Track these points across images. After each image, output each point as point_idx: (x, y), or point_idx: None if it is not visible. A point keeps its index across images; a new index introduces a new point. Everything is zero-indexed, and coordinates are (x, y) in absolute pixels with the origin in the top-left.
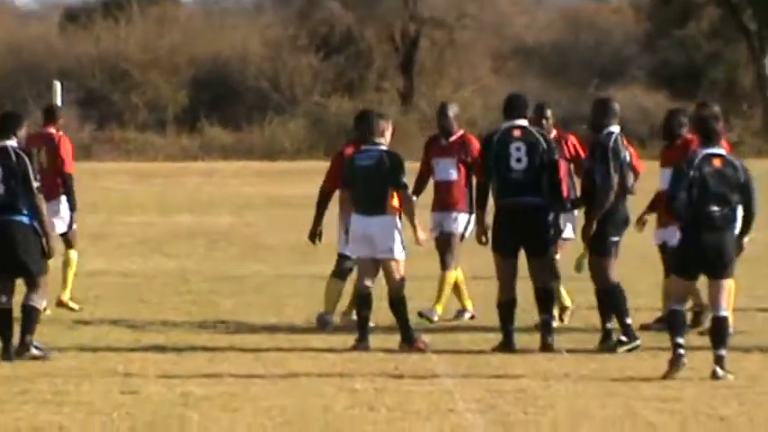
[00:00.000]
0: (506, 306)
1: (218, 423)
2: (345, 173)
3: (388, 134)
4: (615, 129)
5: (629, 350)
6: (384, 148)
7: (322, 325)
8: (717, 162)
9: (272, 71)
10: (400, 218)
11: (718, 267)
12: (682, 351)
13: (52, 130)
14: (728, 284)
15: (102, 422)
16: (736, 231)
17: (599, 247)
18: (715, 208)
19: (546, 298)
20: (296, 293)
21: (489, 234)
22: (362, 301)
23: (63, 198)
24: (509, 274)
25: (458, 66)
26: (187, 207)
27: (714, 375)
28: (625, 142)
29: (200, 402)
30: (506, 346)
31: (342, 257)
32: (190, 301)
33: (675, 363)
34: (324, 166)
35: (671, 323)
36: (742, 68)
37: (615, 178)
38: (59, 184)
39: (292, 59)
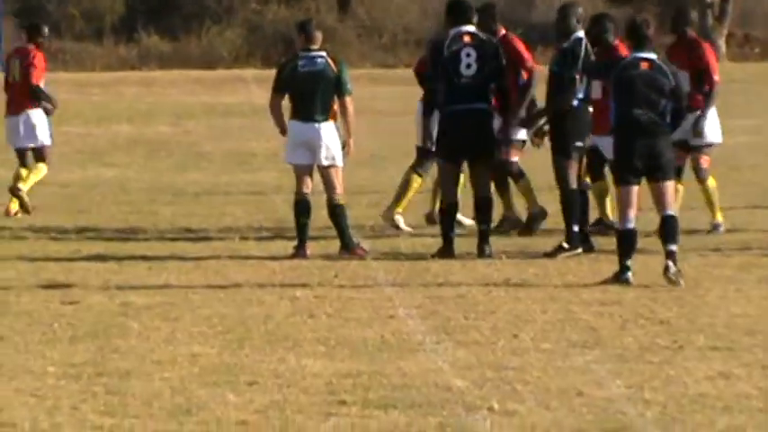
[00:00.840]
0: (448, 211)
1: (158, 332)
2: (285, 79)
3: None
4: (581, 34)
5: (569, 257)
6: (324, 54)
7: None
8: (644, 65)
9: None
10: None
11: (655, 170)
12: (629, 274)
13: (30, 46)
14: (670, 185)
15: (42, 332)
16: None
17: (562, 149)
18: (640, 111)
19: (485, 207)
20: (235, 201)
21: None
22: (301, 208)
23: (35, 111)
24: (452, 180)
25: None
26: (126, 117)
27: (666, 270)
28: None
29: (141, 311)
30: (446, 251)
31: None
32: (129, 211)
33: (618, 280)
34: (261, 74)
35: (619, 243)
36: None
37: (580, 84)
38: (29, 96)
39: None
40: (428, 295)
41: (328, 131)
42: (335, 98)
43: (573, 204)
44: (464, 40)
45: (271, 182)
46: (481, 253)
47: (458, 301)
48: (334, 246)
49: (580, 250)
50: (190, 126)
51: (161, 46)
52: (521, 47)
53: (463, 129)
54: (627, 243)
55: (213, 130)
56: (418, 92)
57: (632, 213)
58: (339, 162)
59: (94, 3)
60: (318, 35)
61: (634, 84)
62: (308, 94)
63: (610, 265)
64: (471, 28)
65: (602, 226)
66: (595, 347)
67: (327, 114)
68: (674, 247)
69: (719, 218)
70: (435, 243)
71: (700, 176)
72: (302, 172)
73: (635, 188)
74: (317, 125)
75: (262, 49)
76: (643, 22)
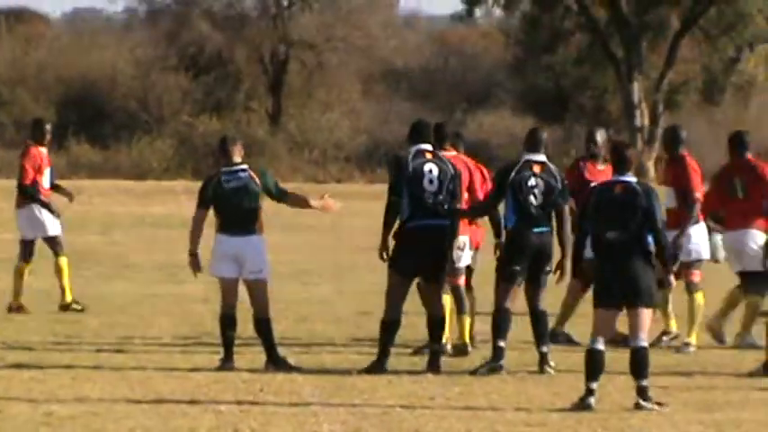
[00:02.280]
0: (390, 326)
1: None
2: (210, 195)
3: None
4: (528, 156)
5: (490, 370)
6: (245, 167)
7: None
8: (618, 188)
9: (140, 91)
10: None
11: (630, 295)
12: (591, 399)
13: (29, 143)
14: (645, 313)
15: None
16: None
17: (499, 271)
18: (612, 234)
19: (438, 325)
20: (162, 313)
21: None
22: (227, 321)
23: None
24: (401, 295)
25: (326, 87)
26: None
27: (637, 406)
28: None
29: (64, 422)
30: (378, 367)
31: None
32: (55, 320)
33: (581, 406)
34: (191, 185)
35: (585, 363)
36: (609, 94)
37: (494, 201)
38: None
39: (161, 79)
40: (353, 412)
41: (254, 245)
42: (260, 211)
43: (500, 322)
44: (426, 156)
45: (198, 294)
46: (433, 369)
47: (382, 418)
48: (261, 358)
49: (500, 364)
50: (118, 236)
51: (91, 155)
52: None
53: (421, 245)
54: (592, 364)
55: (141, 241)
56: (348, 207)
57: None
58: (265, 276)
59: (25, 111)
60: (237, 150)
61: (603, 208)
62: (234, 209)
63: (535, 386)
64: (429, 146)
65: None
66: None
67: (254, 227)
68: (644, 383)
69: (693, 339)
70: (361, 359)
71: (689, 289)
72: (228, 285)
73: (610, 314)
74: (243, 238)
75: (192, 161)
76: (625, 144)
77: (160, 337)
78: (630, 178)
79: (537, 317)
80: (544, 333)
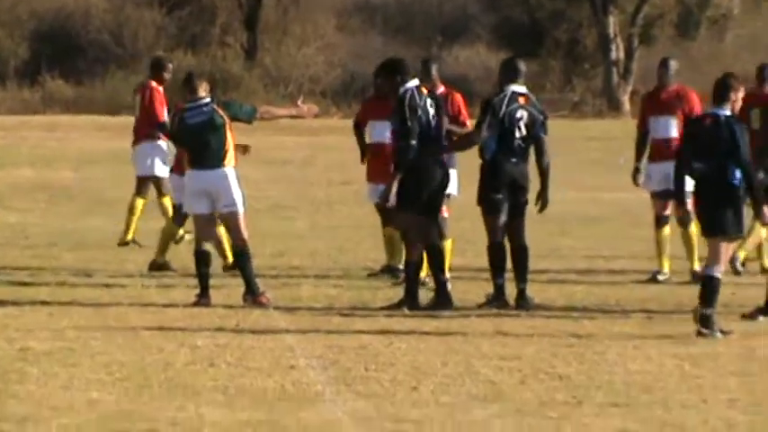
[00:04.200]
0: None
1: (56, 378)
2: (175, 133)
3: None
4: (514, 88)
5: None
6: (208, 101)
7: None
8: (707, 120)
9: (114, 25)
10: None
11: (707, 225)
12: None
13: (152, 83)
14: (721, 244)
15: None
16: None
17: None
18: (698, 165)
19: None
20: (137, 248)
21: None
22: (201, 258)
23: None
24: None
25: (302, 22)
26: (28, 161)
27: (699, 334)
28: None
29: (40, 357)
30: (500, 296)
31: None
32: (30, 256)
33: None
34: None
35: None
36: (584, 28)
37: (484, 132)
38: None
39: (135, 14)
40: (329, 345)
41: (225, 178)
42: (229, 142)
43: (495, 258)
44: (423, 92)
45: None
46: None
47: (358, 352)
48: (237, 294)
49: (505, 299)
50: (93, 172)
51: (65, 90)
52: (462, 104)
53: (435, 180)
54: (709, 290)
55: (116, 177)
56: (324, 142)
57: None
58: (239, 208)
59: None
60: (202, 85)
61: (695, 137)
62: (200, 144)
63: (511, 321)
64: (415, 81)
65: None
66: (495, 402)
67: (222, 160)
68: (707, 311)
69: (697, 266)
70: (337, 294)
71: (683, 222)
72: (202, 221)
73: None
74: (212, 172)
75: (168, 96)
76: (728, 77)
77: (136, 272)
78: (722, 111)
79: (518, 251)
80: (525, 268)
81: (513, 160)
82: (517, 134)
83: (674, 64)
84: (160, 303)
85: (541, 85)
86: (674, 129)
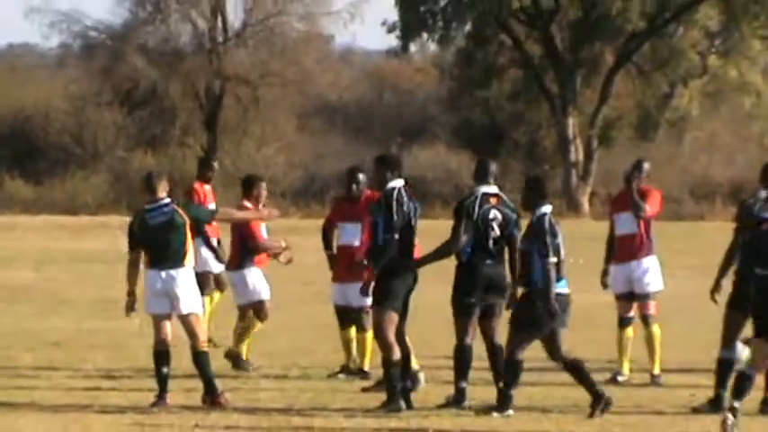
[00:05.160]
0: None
1: None
2: (136, 234)
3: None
4: (485, 189)
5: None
6: (168, 201)
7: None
8: (765, 226)
9: (75, 126)
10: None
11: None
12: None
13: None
14: None
15: None
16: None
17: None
18: (759, 270)
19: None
20: (96, 348)
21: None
22: (160, 358)
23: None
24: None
25: (262, 123)
26: None
27: None
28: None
29: None
30: (460, 397)
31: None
32: None
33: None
34: (126, 221)
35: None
36: (544, 129)
37: (462, 237)
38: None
39: (96, 114)
40: None
41: (184, 278)
42: (189, 242)
43: (462, 360)
44: (404, 191)
45: (132, 329)
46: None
47: None
48: (196, 395)
49: (465, 405)
50: (52, 272)
51: (24, 191)
52: None
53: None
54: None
55: (75, 277)
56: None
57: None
58: (198, 309)
59: None
60: (162, 185)
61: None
62: (160, 244)
63: (472, 422)
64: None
65: None
66: None
67: (182, 262)
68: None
69: (657, 369)
70: (297, 394)
71: (645, 322)
72: (160, 321)
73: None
74: (172, 273)
75: (127, 196)
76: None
77: (94, 372)
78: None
79: (495, 352)
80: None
81: (489, 262)
82: (492, 235)
83: (647, 166)
84: (119, 404)
85: (501, 186)
86: (634, 224)
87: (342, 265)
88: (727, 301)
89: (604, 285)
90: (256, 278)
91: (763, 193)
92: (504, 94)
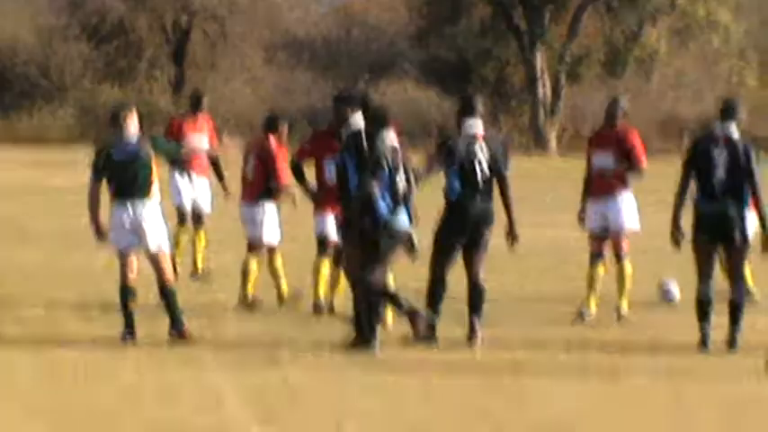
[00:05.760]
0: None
1: None
2: (101, 167)
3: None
4: (470, 126)
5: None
6: (135, 135)
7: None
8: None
9: (42, 59)
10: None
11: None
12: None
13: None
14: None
15: None
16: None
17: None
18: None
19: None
20: (63, 281)
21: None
22: (126, 293)
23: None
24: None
25: (229, 57)
26: None
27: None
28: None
29: None
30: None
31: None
32: None
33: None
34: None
35: None
36: (512, 66)
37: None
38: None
39: (63, 48)
40: (255, 382)
41: (150, 213)
42: (154, 177)
43: (436, 293)
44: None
45: (99, 262)
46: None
47: (284, 389)
48: (164, 328)
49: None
50: (18, 204)
51: None
52: None
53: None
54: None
55: (42, 209)
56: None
57: None
58: (165, 244)
59: None
60: (130, 119)
61: None
62: (126, 179)
63: (438, 356)
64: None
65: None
66: None
67: (148, 196)
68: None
69: (625, 306)
70: (263, 330)
71: (618, 258)
72: (127, 256)
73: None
74: (138, 208)
75: (94, 129)
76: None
77: (61, 306)
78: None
79: (476, 287)
80: (479, 305)
81: (478, 198)
82: (479, 172)
83: (623, 104)
84: (85, 339)
85: None
86: (610, 162)
87: (329, 198)
88: (692, 237)
89: (581, 221)
90: (268, 217)
91: (717, 128)
92: (472, 31)
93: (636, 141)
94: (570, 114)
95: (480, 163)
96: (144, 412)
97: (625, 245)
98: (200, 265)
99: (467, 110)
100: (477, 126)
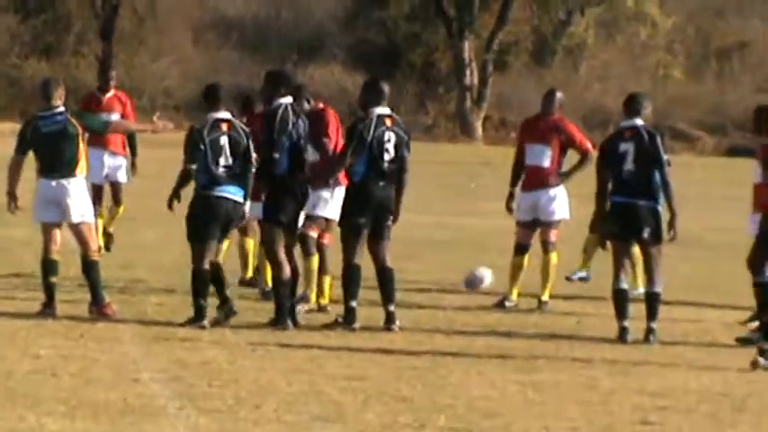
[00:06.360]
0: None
1: None
2: (27, 139)
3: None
4: (379, 111)
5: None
6: (62, 110)
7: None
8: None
9: None
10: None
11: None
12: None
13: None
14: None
15: None
16: None
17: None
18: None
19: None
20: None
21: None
22: (48, 267)
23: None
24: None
25: (157, 35)
26: None
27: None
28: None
29: None
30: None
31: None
32: None
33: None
34: (18, 128)
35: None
36: (440, 52)
37: (349, 158)
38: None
39: None
40: (173, 359)
41: (76, 187)
42: (81, 152)
43: (351, 280)
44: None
45: (21, 237)
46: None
47: (203, 368)
48: (83, 305)
49: (354, 326)
50: None
51: None
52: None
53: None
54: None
55: None
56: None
57: None
58: (90, 218)
59: None
60: (58, 93)
61: None
62: (52, 153)
63: (357, 342)
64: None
65: None
66: (337, 422)
67: (74, 171)
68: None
69: (547, 296)
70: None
71: (545, 248)
72: (50, 230)
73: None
74: (64, 182)
75: (20, 104)
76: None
77: None
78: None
79: (384, 273)
80: (391, 291)
81: (381, 183)
82: (386, 157)
83: (560, 96)
84: (4, 312)
85: (395, 108)
86: (546, 158)
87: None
88: (605, 230)
89: (509, 210)
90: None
91: (622, 123)
92: (401, 15)
93: (574, 129)
94: (497, 102)
95: (388, 149)
96: (61, 385)
97: (553, 236)
98: (109, 231)
99: (375, 93)
100: (384, 110)
